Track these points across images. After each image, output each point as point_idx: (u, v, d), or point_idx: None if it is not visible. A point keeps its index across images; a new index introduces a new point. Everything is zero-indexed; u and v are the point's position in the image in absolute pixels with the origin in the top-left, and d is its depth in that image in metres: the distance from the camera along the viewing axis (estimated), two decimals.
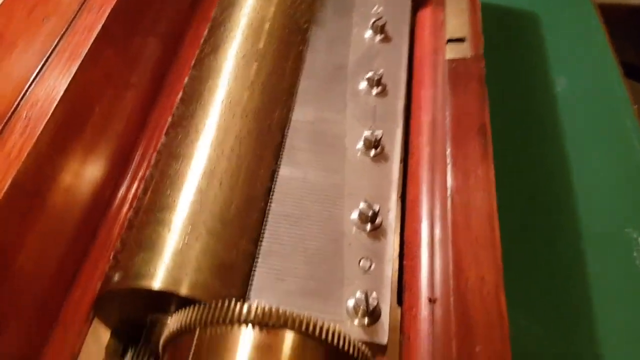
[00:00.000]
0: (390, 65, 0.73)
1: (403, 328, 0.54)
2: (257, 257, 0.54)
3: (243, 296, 0.51)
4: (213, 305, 0.43)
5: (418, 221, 0.61)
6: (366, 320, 0.52)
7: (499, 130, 0.62)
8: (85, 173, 0.59)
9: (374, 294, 0.52)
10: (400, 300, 0.57)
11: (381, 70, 0.71)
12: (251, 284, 0.52)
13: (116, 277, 0.50)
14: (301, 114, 0.67)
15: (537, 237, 0.71)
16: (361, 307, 0.51)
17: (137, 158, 0.67)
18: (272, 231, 0.56)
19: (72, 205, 0.59)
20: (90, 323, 0.56)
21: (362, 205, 0.58)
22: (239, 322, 0.42)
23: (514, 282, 0.52)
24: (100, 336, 0.55)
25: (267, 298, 0.52)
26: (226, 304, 0.42)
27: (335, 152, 0.64)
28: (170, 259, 0.49)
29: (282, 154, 0.63)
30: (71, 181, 0.58)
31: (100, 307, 0.52)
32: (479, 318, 0.41)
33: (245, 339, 0.41)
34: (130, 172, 0.66)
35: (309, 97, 0.69)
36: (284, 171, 0.61)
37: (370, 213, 0.57)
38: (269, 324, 0.41)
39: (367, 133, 0.64)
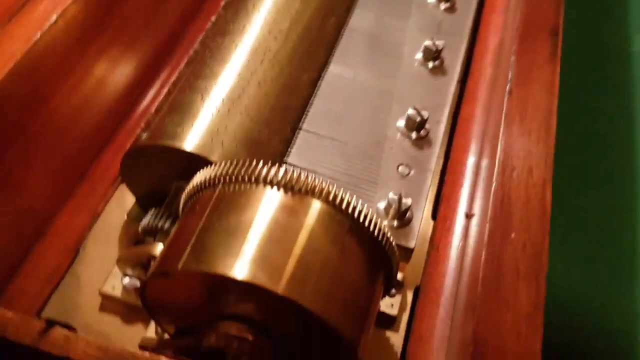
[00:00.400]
0: None
1: (433, 239, 0.51)
2: (293, 144, 0.52)
3: None
4: (240, 162, 0.40)
5: (467, 138, 0.57)
6: (395, 222, 0.49)
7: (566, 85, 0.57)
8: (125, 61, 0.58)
9: (409, 200, 0.49)
10: (435, 215, 0.54)
11: None
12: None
13: (144, 136, 0.48)
14: (360, 17, 0.64)
15: (590, 182, 0.66)
16: (392, 208, 0.48)
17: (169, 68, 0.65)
18: (312, 122, 0.54)
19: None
20: (117, 187, 0.55)
21: (410, 111, 0.54)
22: (265, 182, 0.39)
23: (558, 227, 0.48)
24: (124, 202, 0.54)
25: None
26: (254, 163, 0.40)
27: (390, 58, 0.61)
28: (202, 124, 0.47)
29: (334, 52, 0.60)
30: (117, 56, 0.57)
31: (127, 167, 0.50)
32: (519, 206, 0.37)
33: (269, 198, 0.39)
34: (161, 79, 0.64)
35: (370, 2, 0.65)
36: (334, 69, 0.58)
37: (418, 120, 0.54)
38: (295, 188, 0.39)
39: (428, 43, 0.60)
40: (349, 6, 0.64)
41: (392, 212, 0.48)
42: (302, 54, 0.56)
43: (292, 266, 0.36)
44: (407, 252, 0.48)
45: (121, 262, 0.48)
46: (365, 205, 0.40)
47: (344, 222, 0.39)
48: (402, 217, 0.49)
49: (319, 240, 0.38)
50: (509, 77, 0.44)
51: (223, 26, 0.57)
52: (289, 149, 0.52)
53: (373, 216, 0.40)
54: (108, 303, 0.48)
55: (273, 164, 0.40)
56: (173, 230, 0.42)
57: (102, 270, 0.49)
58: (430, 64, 0.60)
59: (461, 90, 0.62)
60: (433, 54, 0.60)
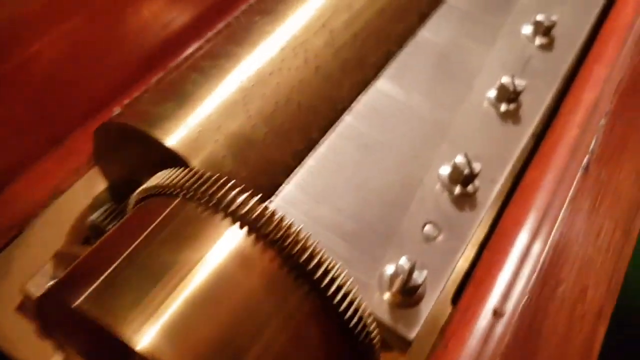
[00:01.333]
0: (572, 18, 0.56)
1: (446, 331, 0.39)
2: (300, 168, 0.41)
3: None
4: (205, 176, 0.30)
5: (525, 210, 0.45)
6: (400, 298, 0.37)
7: None
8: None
9: (425, 272, 0.37)
10: (456, 299, 0.42)
11: (555, 18, 0.53)
12: (277, 193, 0.39)
13: (121, 112, 0.39)
14: (432, 31, 0.52)
15: None
16: (399, 279, 0.37)
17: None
18: (332, 145, 0.43)
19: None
20: (93, 166, 0.46)
21: (459, 158, 0.43)
22: (226, 214, 0.29)
23: None
24: (96, 185, 0.46)
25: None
26: (220, 182, 0.30)
27: (456, 87, 0.49)
28: (194, 115, 0.37)
29: (389, 64, 0.49)
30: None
31: (99, 145, 0.41)
32: (554, 339, 0.25)
33: (225, 238, 0.29)
34: None
35: (450, 17, 0.54)
36: (382, 84, 0.47)
37: (466, 171, 0.42)
38: (262, 231, 0.28)
39: (506, 80, 0.48)
40: (424, 13, 0.53)
41: (398, 282, 0.37)
42: (349, 59, 0.46)
43: (214, 349, 0.25)
44: (404, 342, 0.37)
45: (57, 259, 0.39)
46: (350, 280, 0.29)
47: (312, 297, 0.28)
48: (410, 293, 0.37)
49: (268, 315, 0.27)
50: (591, 146, 0.32)
51: (267, 3, 0.47)
52: (295, 172, 0.41)
53: (356, 298, 0.29)
54: (28, 303, 0.39)
55: (257, 189, 0.30)
56: (98, 241, 0.32)
57: (39, 263, 0.41)
58: (503, 107, 0.48)
59: (534, 148, 0.50)
60: (509, 95, 0.48)
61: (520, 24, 0.55)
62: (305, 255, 0.28)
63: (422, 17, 0.52)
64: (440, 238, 0.41)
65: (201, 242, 0.29)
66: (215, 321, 0.26)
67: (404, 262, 0.37)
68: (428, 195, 0.42)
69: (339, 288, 0.28)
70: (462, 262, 0.43)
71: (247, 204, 0.29)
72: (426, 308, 0.37)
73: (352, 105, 0.45)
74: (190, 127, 0.37)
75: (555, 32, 0.54)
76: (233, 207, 0.29)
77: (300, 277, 0.28)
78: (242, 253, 0.28)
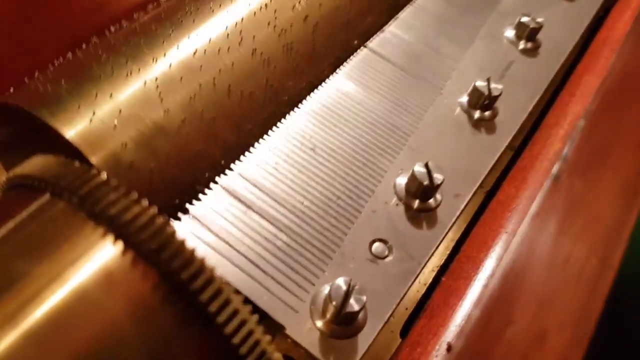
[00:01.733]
0: (561, 23, 0.50)
1: None
2: (228, 169, 0.35)
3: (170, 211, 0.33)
4: (76, 168, 0.24)
5: (493, 232, 0.39)
6: (333, 327, 0.31)
7: None
8: None
9: (363, 297, 0.31)
10: (405, 332, 0.36)
11: (541, 20, 0.48)
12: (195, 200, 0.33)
13: (19, 92, 0.33)
14: (402, 27, 0.47)
15: None
16: (333, 304, 0.31)
17: None
18: (274, 142, 0.37)
19: None
20: None
21: (418, 167, 0.37)
22: (91, 211, 0.23)
23: None
24: None
25: (201, 230, 0.33)
26: (92, 175, 0.24)
27: (423, 90, 0.43)
28: (87, 95, 0.31)
29: (348, 62, 0.43)
30: None
31: None
32: None
33: (96, 249, 0.23)
34: None
35: (424, 13, 0.48)
36: (339, 81, 0.42)
37: (425, 183, 0.36)
38: (132, 237, 0.22)
39: (480, 84, 0.42)
40: (395, 8, 0.47)
41: (331, 310, 0.31)
42: (298, 46, 0.40)
43: None
44: None
45: None
46: (248, 308, 0.23)
47: (193, 326, 0.22)
48: (346, 321, 0.31)
49: (133, 351, 0.21)
50: (564, 151, 0.26)
51: None
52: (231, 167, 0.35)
53: (253, 331, 0.23)
54: None
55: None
56: None
57: None
58: (477, 114, 0.43)
59: (510, 162, 0.44)
60: (484, 101, 0.42)
61: (503, 25, 0.49)
62: (188, 273, 0.22)
63: (393, 12, 0.47)
64: (390, 258, 0.35)
65: (61, 250, 0.23)
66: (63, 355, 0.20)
67: (340, 283, 0.31)
68: (380, 208, 0.36)
69: (232, 316, 0.22)
70: (416, 289, 0.37)
71: (115, 204, 0.22)
72: (365, 340, 0.31)
73: (303, 100, 0.39)
74: (84, 108, 0.31)
75: (541, 36, 0.48)
76: (99, 207, 0.23)
77: (178, 301, 0.22)
78: (106, 268, 0.22)
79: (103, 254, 0.23)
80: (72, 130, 0.29)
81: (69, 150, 0.30)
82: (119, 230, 0.23)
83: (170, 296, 0.22)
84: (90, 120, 0.29)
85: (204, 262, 0.22)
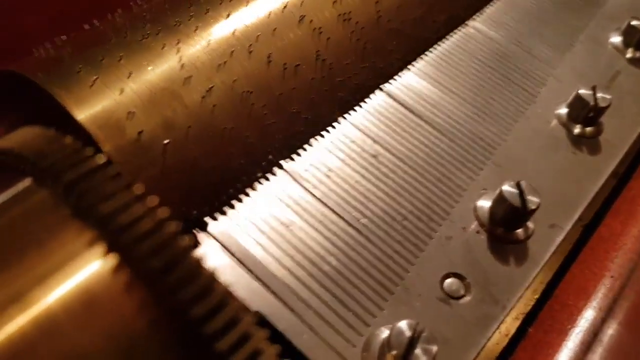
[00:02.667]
0: None
1: None
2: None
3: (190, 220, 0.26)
4: (64, 146, 0.18)
5: (596, 275, 0.31)
6: None
7: None
8: None
9: (434, 348, 0.24)
10: None
11: None
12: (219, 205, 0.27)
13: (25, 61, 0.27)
14: (489, 23, 0.39)
15: None
16: (393, 353, 0.23)
17: None
18: (328, 144, 0.30)
19: None
20: None
21: (507, 187, 0.29)
22: (80, 206, 0.17)
23: None
24: None
25: (228, 242, 0.26)
26: (84, 157, 0.17)
27: (512, 96, 0.36)
28: (92, 59, 0.25)
29: (423, 57, 0.36)
30: None
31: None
32: None
33: (71, 244, 0.16)
34: None
35: (514, 9, 0.41)
36: (410, 79, 0.35)
37: (517, 207, 0.29)
38: (154, 266, 0.16)
39: (584, 92, 0.35)
40: (481, 0, 0.40)
41: (389, 358, 0.24)
42: (364, 24, 0.33)
43: None
44: None
45: None
46: (271, 348, 0.16)
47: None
48: None
49: None
50: None
51: None
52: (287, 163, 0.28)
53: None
54: None
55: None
56: None
57: None
58: (577, 128, 0.35)
59: (615, 190, 0.36)
60: (587, 112, 0.34)
61: (608, 29, 0.41)
62: (202, 309, 0.15)
63: (478, 5, 0.40)
64: (466, 299, 0.27)
65: (32, 258, 0.16)
66: None
67: (403, 327, 0.24)
68: (456, 235, 0.29)
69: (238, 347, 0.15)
70: (495, 340, 0.29)
71: (110, 200, 0.16)
72: None
73: (365, 88, 0.33)
74: (86, 72, 0.24)
75: None
76: (87, 201, 0.16)
77: (186, 346, 0.15)
78: (87, 291, 0.16)
79: (86, 270, 0.16)
80: (65, 91, 0.23)
81: (76, 131, 0.24)
82: (112, 238, 0.16)
83: (174, 343, 0.15)
84: (92, 85, 0.23)
85: (225, 294, 0.15)
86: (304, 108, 0.29)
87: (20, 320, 0.16)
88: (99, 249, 0.16)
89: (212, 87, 0.25)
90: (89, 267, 0.16)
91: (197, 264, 0.16)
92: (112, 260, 0.16)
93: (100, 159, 0.18)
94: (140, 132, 0.23)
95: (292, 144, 0.29)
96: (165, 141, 0.24)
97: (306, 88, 0.28)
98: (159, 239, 0.16)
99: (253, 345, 0.16)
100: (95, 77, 0.23)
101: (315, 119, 0.30)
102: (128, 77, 0.24)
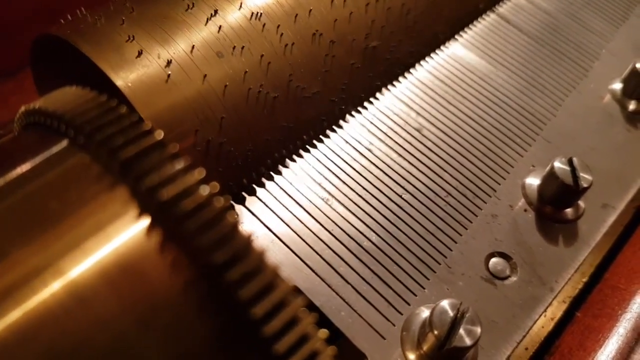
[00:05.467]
0: None
1: None
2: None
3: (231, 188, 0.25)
4: (108, 110, 0.17)
5: None
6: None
7: None
8: None
9: (478, 329, 0.23)
10: None
11: None
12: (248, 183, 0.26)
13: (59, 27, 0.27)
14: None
15: None
16: (435, 333, 0.22)
17: None
18: (367, 120, 0.29)
19: None
20: None
21: (559, 164, 0.28)
22: (127, 175, 0.16)
23: None
24: None
25: (267, 215, 0.25)
26: (135, 123, 0.17)
27: (563, 70, 0.34)
28: (133, 26, 0.24)
29: (471, 27, 0.34)
30: None
31: (36, 61, 0.29)
32: None
33: (115, 216, 0.16)
34: None
35: None
36: (457, 50, 0.33)
37: (568, 185, 0.27)
38: (203, 244, 0.15)
39: None
40: None
41: (431, 339, 0.23)
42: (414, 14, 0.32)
43: None
44: None
45: None
46: (318, 334, 0.15)
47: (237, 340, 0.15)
48: (450, 359, 0.23)
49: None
50: None
51: None
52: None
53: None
54: None
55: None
56: None
57: None
58: (632, 105, 0.33)
59: None
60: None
61: None
62: (251, 290, 0.14)
63: None
64: (512, 279, 0.26)
65: (79, 217, 0.16)
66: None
67: (446, 307, 0.23)
68: (503, 213, 0.28)
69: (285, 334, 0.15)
70: (540, 324, 0.28)
71: (159, 170, 0.15)
72: None
73: (410, 65, 0.31)
74: (117, 35, 0.24)
75: None
76: (137, 171, 0.15)
77: (225, 310, 0.14)
78: (133, 263, 0.15)
79: (131, 244, 0.16)
80: (101, 54, 0.22)
81: (99, 78, 0.23)
82: (160, 213, 0.15)
83: (219, 325, 0.14)
84: (132, 53, 0.22)
85: (275, 275, 0.14)
86: (346, 81, 0.28)
87: (56, 286, 0.15)
88: (144, 223, 0.16)
89: (253, 61, 0.24)
90: (134, 243, 0.16)
91: (248, 242, 0.15)
92: (158, 236, 0.16)
93: (147, 126, 0.17)
94: (179, 102, 0.22)
95: (334, 115, 0.28)
96: (209, 117, 0.23)
97: (347, 60, 0.27)
98: (210, 214, 0.15)
99: (310, 346, 0.15)
100: (138, 47, 0.23)
101: (356, 97, 0.29)
102: (167, 43, 0.23)
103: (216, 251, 0.14)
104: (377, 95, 0.30)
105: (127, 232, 0.16)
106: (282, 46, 0.26)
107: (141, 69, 0.23)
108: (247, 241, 0.15)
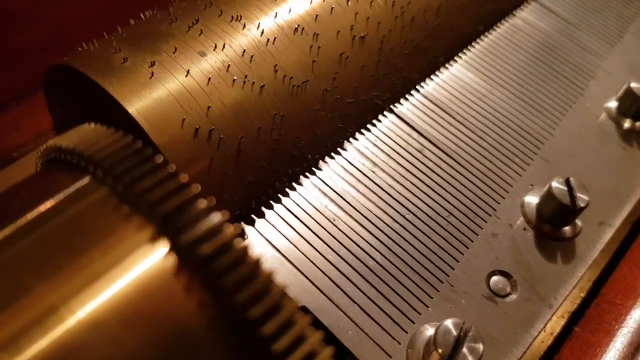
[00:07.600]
0: None
1: None
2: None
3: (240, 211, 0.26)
4: (125, 146, 0.18)
5: None
6: None
7: None
8: None
9: (480, 347, 0.24)
10: None
11: None
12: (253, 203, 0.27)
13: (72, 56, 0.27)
14: (537, 13, 0.38)
15: None
16: (439, 351, 0.23)
17: None
18: (369, 141, 0.30)
19: None
20: None
21: (556, 184, 0.29)
22: (143, 208, 0.17)
23: None
24: None
25: (274, 236, 0.26)
26: (149, 157, 0.18)
27: (559, 89, 0.35)
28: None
29: (469, 48, 0.35)
30: None
31: (50, 88, 0.30)
32: None
33: (130, 246, 0.17)
34: None
35: (564, 1, 0.40)
36: (456, 71, 0.34)
37: (567, 202, 0.28)
38: (214, 269, 0.16)
39: (636, 86, 0.34)
40: None
41: (435, 357, 0.24)
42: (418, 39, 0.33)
43: None
44: None
45: None
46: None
47: None
48: None
49: None
50: None
51: None
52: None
53: None
54: None
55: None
56: None
57: None
58: (627, 123, 0.34)
59: None
60: (637, 108, 0.34)
61: None
62: (260, 310, 0.15)
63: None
64: (513, 297, 0.27)
65: (95, 250, 0.17)
66: None
67: (449, 326, 0.24)
68: (503, 232, 0.29)
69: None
70: (540, 338, 0.29)
71: (171, 199, 0.16)
72: None
73: (412, 91, 0.32)
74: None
75: None
76: (148, 200, 0.16)
77: (233, 330, 0.15)
78: (147, 281, 0.16)
79: (148, 263, 0.17)
80: (115, 83, 0.23)
81: (126, 123, 0.24)
82: (173, 236, 0.16)
83: (229, 343, 0.15)
84: (145, 81, 0.23)
85: (282, 296, 0.15)
86: (349, 97, 0.29)
87: (78, 316, 0.16)
88: (161, 244, 0.17)
89: (263, 82, 0.25)
90: (151, 261, 0.16)
91: (257, 264, 0.16)
92: (171, 259, 0.17)
93: (159, 159, 0.18)
94: (197, 128, 0.23)
95: (338, 138, 0.29)
96: (220, 135, 0.24)
97: (352, 78, 0.28)
98: (220, 241, 0.16)
99: (308, 347, 0.16)
100: (150, 71, 0.24)
101: (360, 112, 0.30)
102: (181, 73, 0.24)
103: (240, 292, 0.15)
104: (380, 116, 0.31)
105: (143, 259, 0.17)
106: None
107: (159, 105, 0.23)
108: (267, 276, 0.15)
